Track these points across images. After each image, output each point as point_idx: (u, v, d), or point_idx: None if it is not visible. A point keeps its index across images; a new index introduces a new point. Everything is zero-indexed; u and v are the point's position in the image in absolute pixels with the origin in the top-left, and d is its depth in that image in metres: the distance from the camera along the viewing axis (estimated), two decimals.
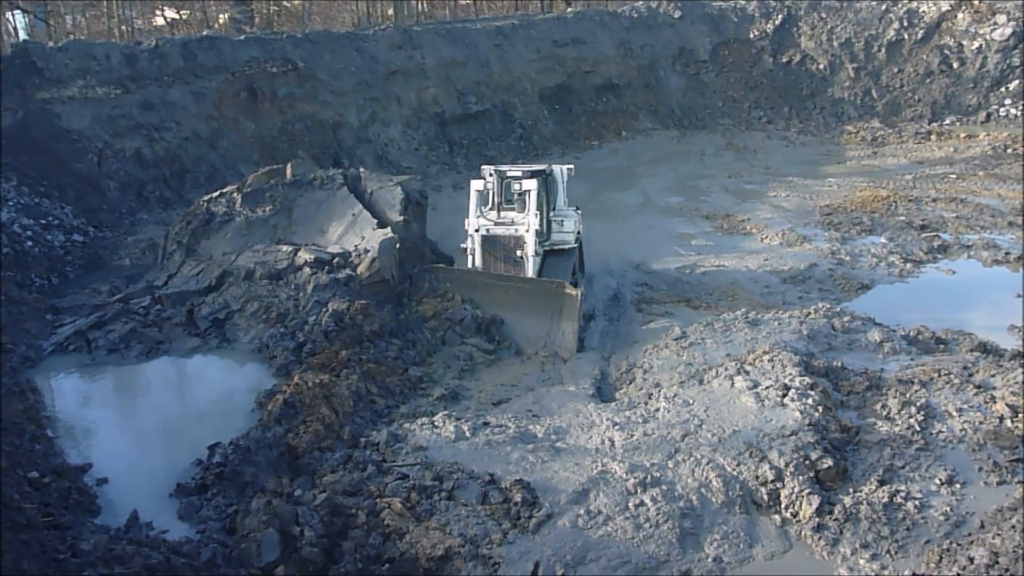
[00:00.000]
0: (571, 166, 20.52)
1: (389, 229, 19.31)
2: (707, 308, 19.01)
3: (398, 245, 18.93)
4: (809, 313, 17.56)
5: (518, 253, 17.88)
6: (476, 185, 18.37)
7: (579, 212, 20.38)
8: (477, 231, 17.99)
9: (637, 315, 18.85)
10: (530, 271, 17.85)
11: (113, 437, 13.64)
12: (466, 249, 18.35)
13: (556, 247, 19.41)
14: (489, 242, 18.05)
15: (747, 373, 14.35)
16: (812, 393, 13.38)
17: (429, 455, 12.24)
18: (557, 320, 17.04)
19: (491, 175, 18.46)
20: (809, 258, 22.12)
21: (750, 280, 20.74)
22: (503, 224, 18.11)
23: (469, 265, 18.34)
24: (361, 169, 22.49)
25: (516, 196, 18.30)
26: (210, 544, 10.48)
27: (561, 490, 11.37)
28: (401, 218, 20.01)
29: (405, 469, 11.82)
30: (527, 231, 17.78)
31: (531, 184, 17.93)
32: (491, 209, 18.54)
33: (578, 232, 20.01)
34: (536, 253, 17.94)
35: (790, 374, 14.07)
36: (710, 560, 10.45)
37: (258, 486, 11.68)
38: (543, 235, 18.83)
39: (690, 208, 28.35)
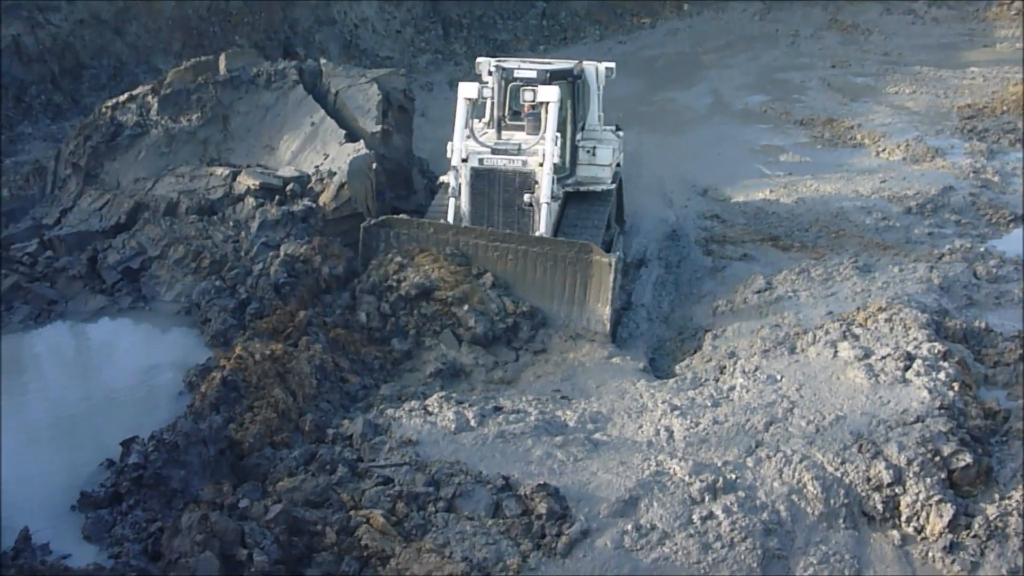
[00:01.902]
0: (612, 64, 18.90)
1: (362, 143, 19.26)
2: (801, 249, 18.97)
3: (374, 165, 18.89)
4: (942, 255, 17.49)
5: (525, 198, 16.61)
6: (466, 91, 16.92)
7: (620, 135, 19.30)
8: (465, 161, 16.69)
9: (704, 259, 18.84)
10: (543, 225, 16.48)
11: None
12: (448, 187, 17.06)
13: (583, 187, 18.29)
14: (483, 178, 16.84)
15: (856, 338, 14.36)
16: (945, 365, 13.37)
17: (421, 452, 12.36)
18: (581, 301, 16.06)
19: (491, 74, 17.13)
20: (943, 179, 21.98)
21: (861, 210, 20.65)
22: (504, 152, 16.74)
23: (450, 211, 17.03)
24: (322, 61, 22.37)
25: (527, 110, 16.97)
26: (127, 572, 10.60)
27: (601, 498, 11.46)
28: (378, 128, 19.93)
29: (389, 471, 11.94)
30: (541, 164, 16.38)
31: (550, 93, 16.39)
32: (488, 127, 17.55)
33: (617, 164, 18.98)
34: (554, 197, 16.70)
35: (915, 339, 14.07)
36: None
37: (190, 495, 11.77)
38: (565, 169, 17.87)
39: (778, 112, 28.13)
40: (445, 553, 10.60)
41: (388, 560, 10.53)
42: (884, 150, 24.27)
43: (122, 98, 21.19)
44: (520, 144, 16.75)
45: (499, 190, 16.80)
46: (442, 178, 17.51)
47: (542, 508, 11.18)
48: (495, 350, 15.73)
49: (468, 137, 16.70)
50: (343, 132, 19.64)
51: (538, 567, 10.61)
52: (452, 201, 16.94)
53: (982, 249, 17.80)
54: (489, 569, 10.50)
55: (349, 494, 11.50)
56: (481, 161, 16.73)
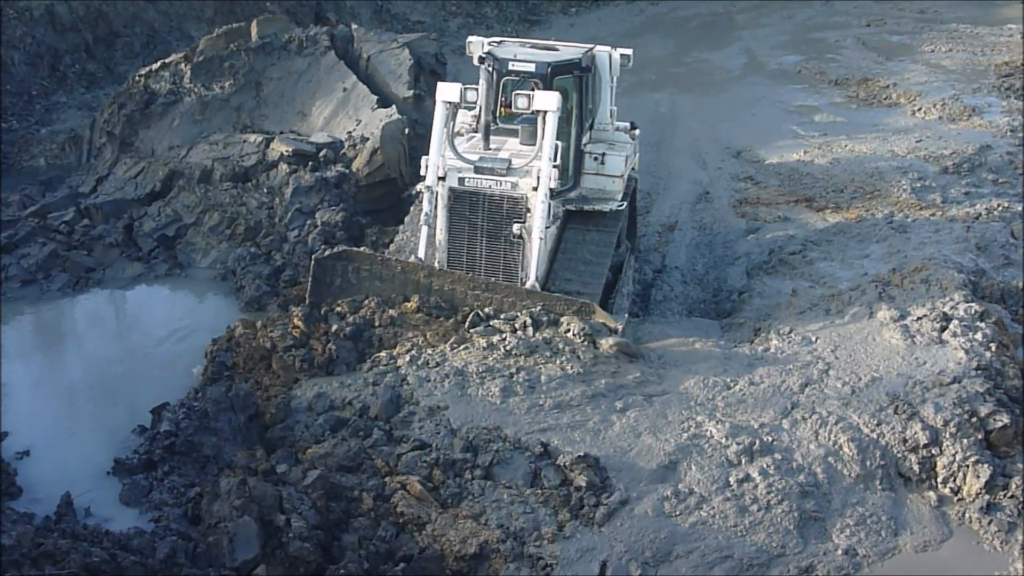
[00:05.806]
0: (628, 51, 15.72)
1: (394, 108, 19.24)
2: (836, 210, 18.82)
3: (407, 130, 18.85)
4: (979, 215, 17.28)
5: (514, 228, 13.83)
6: (446, 92, 13.99)
7: (636, 135, 16.40)
8: (443, 179, 13.85)
9: (738, 222, 18.73)
10: (533, 265, 13.79)
11: (34, 396, 13.92)
12: (422, 205, 14.28)
13: (588, 206, 15.12)
14: (463, 202, 14.01)
15: (892, 299, 14.25)
16: (982, 326, 13.26)
17: (451, 417, 12.25)
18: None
19: (482, 60, 14.51)
20: (980, 137, 21.73)
21: (897, 170, 20.45)
22: (491, 171, 13.81)
23: (422, 242, 14.14)
24: (354, 26, 22.33)
25: (522, 114, 14.24)
26: (168, 537, 10.70)
27: (641, 466, 11.39)
28: (410, 93, 19.92)
29: (425, 435, 11.94)
30: (534, 188, 13.55)
31: (549, 100, 13.43)
32: (474, 134, 14.87)
33: (631, 171, 16.26)
34: (553, 217, 14.11)
35: (952, 300, 13.93)
36: (840, 552, 10.51)
37: (223, 461, 11.94)
38: (567, 182, 14.90)
39: (812, 71, 27.86)
40: (481, 521, 10.61)
41: (424, 526, 10.58)
42: (920, 109, 24.02)
43: (155, 66, 21.32)
44: (510, 159, 13.93)
45: (482, 217, 14.00)
46: (419, 186, 14.57)
47: (581, 480, 11.06)
48: None
49: (447, 150, 13.93)
50: (375, 97, 19.66)
51: (573, 535, 10.59)
52: (425, 229, 14.14)
53: (1020, 208, 17.59)
54: (525, 538, 10.50)
55: (384, 459, 11.49)
56: (462, 180, 13.89)
